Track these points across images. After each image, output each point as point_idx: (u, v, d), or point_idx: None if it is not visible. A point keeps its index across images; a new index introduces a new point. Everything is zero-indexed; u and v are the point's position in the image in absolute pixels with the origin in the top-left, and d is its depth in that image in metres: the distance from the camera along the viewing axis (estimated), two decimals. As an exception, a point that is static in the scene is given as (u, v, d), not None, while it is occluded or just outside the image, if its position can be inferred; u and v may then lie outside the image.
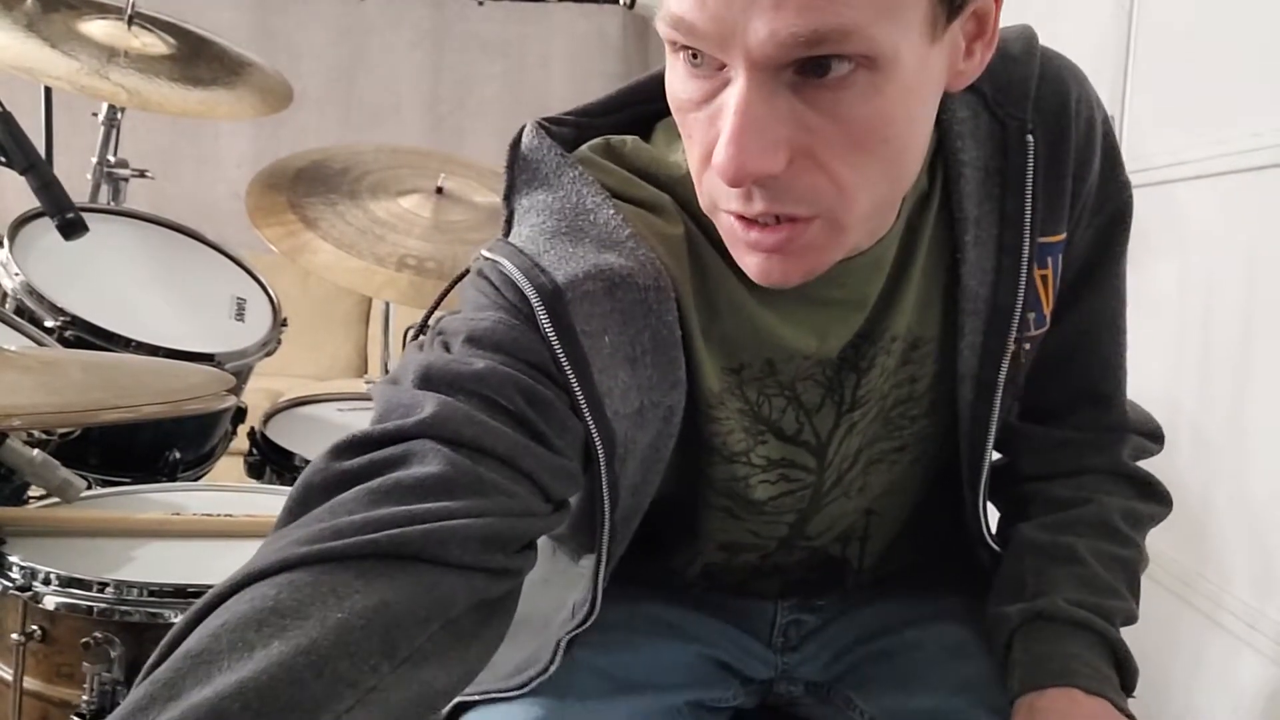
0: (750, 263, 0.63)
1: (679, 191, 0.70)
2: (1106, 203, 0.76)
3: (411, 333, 0.74)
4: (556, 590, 0.82)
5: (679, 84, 0.60)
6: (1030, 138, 0.70)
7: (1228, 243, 1.27)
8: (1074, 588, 0.76)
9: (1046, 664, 0.73)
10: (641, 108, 0.76)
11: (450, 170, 1.99)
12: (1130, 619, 0.78)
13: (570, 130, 0.73)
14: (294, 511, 0.59)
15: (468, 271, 0.70)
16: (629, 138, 0.73)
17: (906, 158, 0.62)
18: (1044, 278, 0.74)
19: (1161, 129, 1.45)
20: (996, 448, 0.84)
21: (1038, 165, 0.71)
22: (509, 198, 0.71)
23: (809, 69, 0.55)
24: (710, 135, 0.59)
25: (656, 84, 0.72)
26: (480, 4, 4.35)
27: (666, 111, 0.71)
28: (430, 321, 0.71)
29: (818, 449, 0.76)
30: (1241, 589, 1.21)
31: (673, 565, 0.86)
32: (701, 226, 0.70)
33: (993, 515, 0.87)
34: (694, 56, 0.58)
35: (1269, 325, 1.18)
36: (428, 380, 0.62)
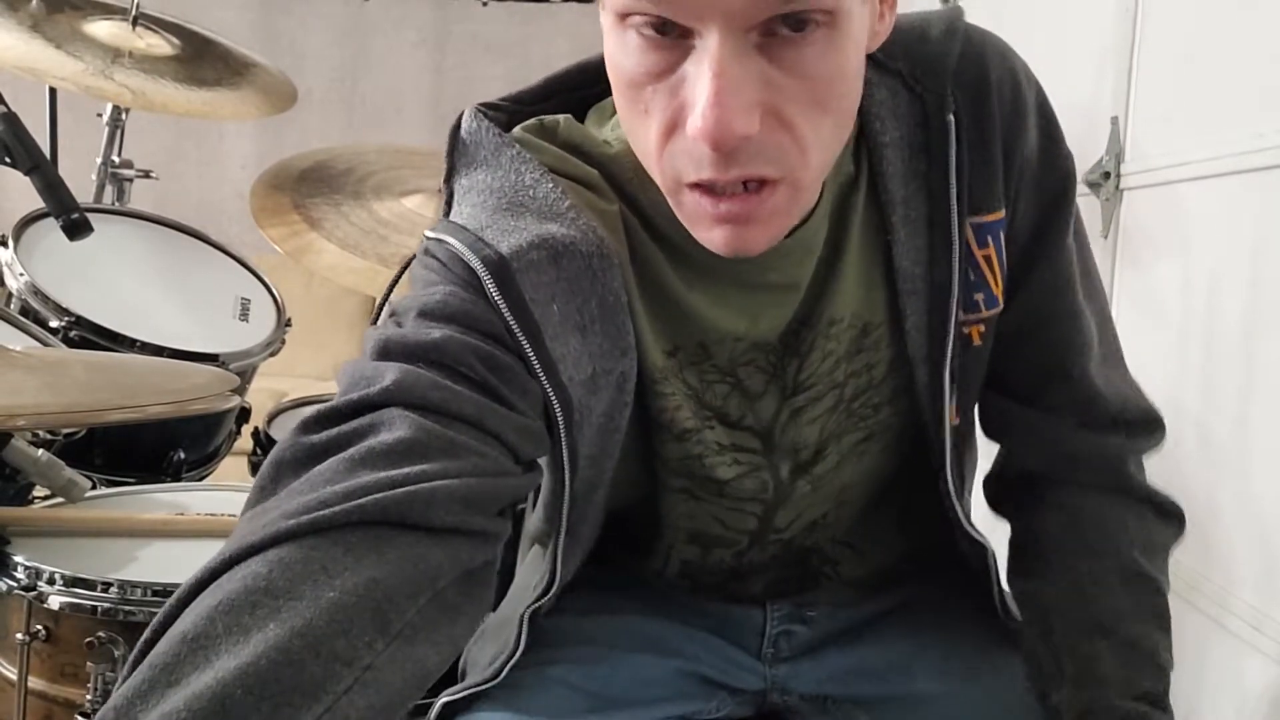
0: (715, 236, 0.63)
1: (611, 170, 0.71)
2: (1047, 178, 0.75)
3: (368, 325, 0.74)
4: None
5: (632, 59, 0.60)
6: (951, 114, 0.70)
7: (1231, 243, 1.27)
8: (1119, 669, 0.73)
9: None
10: (571, 95, 0.76)
11: (454, 171, 1.99)
12: (1171, 671, 0.76)
13: (504, 115, 0.73)
14: (265, 489, 0.59)
15: (414, 258, 0.70)
16: (562, 117, 0.73)
17: (851, 116, 0.64)
18: (987, 258, 0.73)
19: (1165, 130, 1.45)
20: (993, 438, 0.84)
21: (960, 139, 0.71)
22: (449, 179, 0.71)
23: (780, 27, 0.57)
24: (673, 106, 0.59)
25: (583, 71, 0.75)
26: (484, 4, 4.35)
27: (595, 99, 0.71)
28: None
29: (763, 434, 0.76)
30: (1247, 592, 1.21)
31: (650, 564, 0.85)
32: (634, 207, 0.71)
33: (977, 505, 0.87)
34: (660, 28, 0.58)
35: (1272, 326, 1.17)
36: (386, 352, 0.63)
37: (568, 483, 0.71)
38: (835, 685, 0.85)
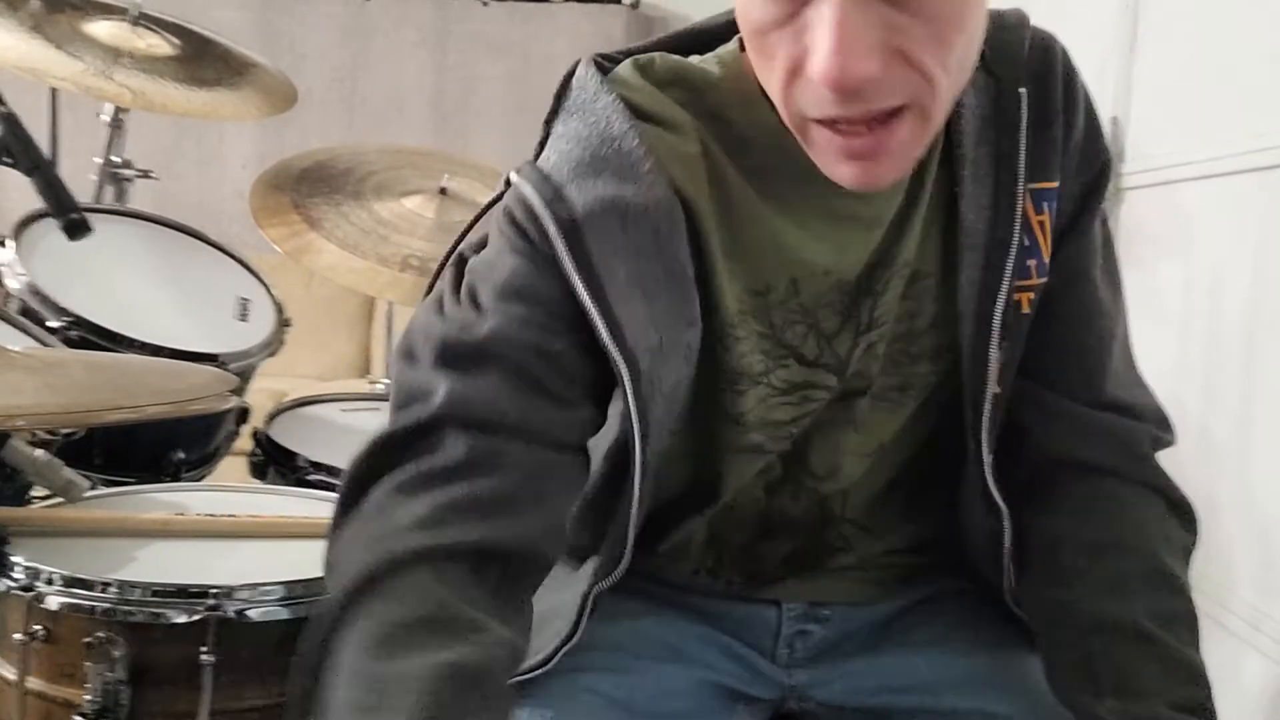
0: (844, 171, 0.66)
1: (708, 98, 0.73)
2: (1089, 165, 0.80)
3: (443, 263, 0.79)
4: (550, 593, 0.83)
5: (759, 7, 0.63)
6: (1022, 90, 0.75)
7: (1232, 243, 1.27)
8: (1159, 680, 0.72)
9: None
10: (679, 49, 0.79)
11: (454, 171, 1.99)
12: (1208, 678, 0.75)
13: (613, 65, 0.77)
14: (349, 506, 0.68)
15: (498, 198, 0.75)
16: (657, 54, 0.76)
17: (974, 50, 0.66)
18: (1041, 223, 0.77)
19: (1166, 130, 1.45)
20: (1007, 426, 0.84)
21: (1029, 114, 0.75)
22: (549, 121, 0.75)
23: None
24: (797, 49, 0.62)
25: (694, 34, 0.79)
26: (484, 4, 4.35)
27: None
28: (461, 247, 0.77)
29: (838, 368, 0.78)
30: (1246, 590, 1.21)
31: (674, 537, 0.85)
32: (726, 138, 0.73)
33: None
34: None
35: (1273, 325, 1.17)
36: (442, 358, 0.69)
37: (638, 445, 0.72)
38: (856, 696, 0.84)
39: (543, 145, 0.74)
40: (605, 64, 0.76)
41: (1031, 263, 0.77)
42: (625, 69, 0.75)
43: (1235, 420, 1.24)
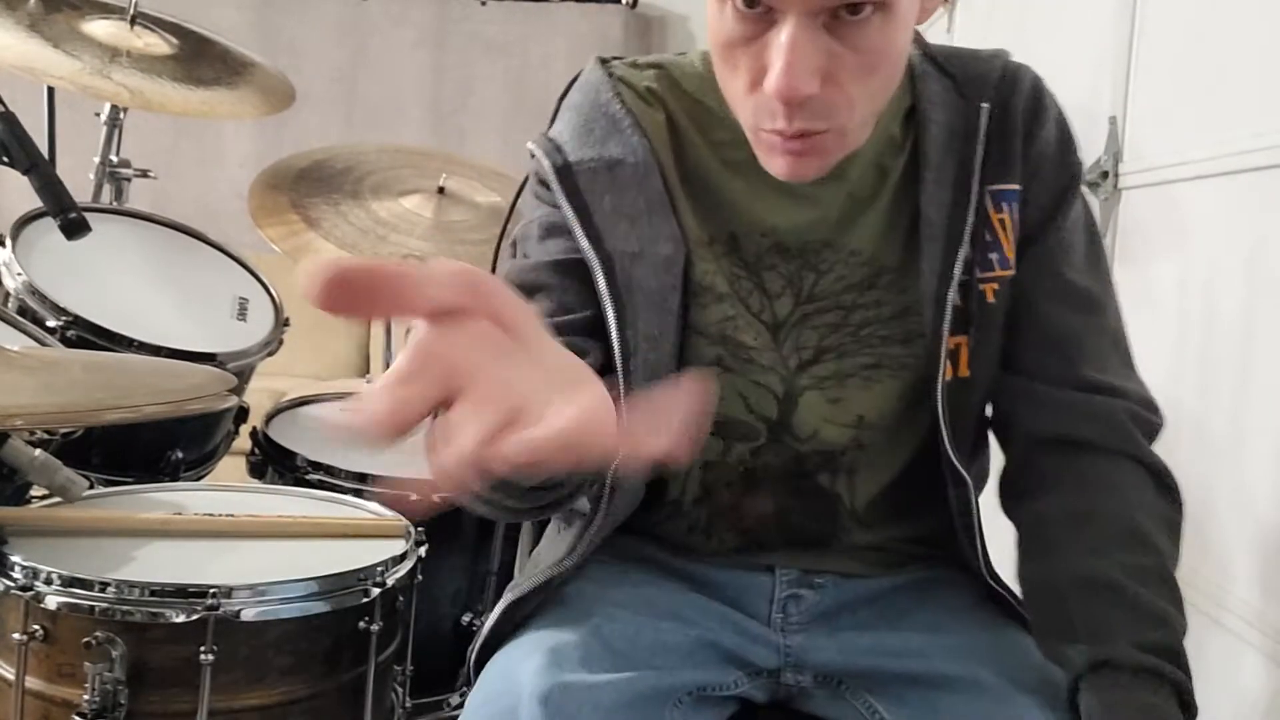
0: (778, 164, 0.81)
1: (688, 83, 0.92)
2: (1060, 171, 0.91)
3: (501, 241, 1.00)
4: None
5: (727, 27, 0.77)
6: (984, 105, 0.88)
7: (1229, 243, 1.27)
8: (1126, 624, 0.78)
9: (1121, 712, 0.74)
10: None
11: (452, 170, 1.99)
12: (1184, 634, 0.79)
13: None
14: None
15: (525, 183, 0.96)
16: (651, 57, 0.95)
17: (896, 78, 0.81)
18: (1001, 221, 0.88)
19: (1163, 129, 1.45)
20: (1000, 419, 0.92)
21: (990, 126, 0.88)
22: (561, 98, 0.95)
23: (843, 12, 0.73)
24: (758, 66, 0.76)
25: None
26: (483, 4, 4.35)
27: None
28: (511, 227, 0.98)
29: (774, 329, 0.90)
30: (1242, 588, 1.21)
31: (669, 494, 0.94)
32: (693, 111, 0.91)
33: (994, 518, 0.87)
34: (750, 4, 0.74)
35: (1270, 325, 1.18)
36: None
37: (619, 354, 0.85)
38: (848, 658, 0.89)
39: (553, 118, 0.94)
40: (609, 58, 0.95)
41: (994, 256, 0.88)
42: (619, 62, 0.95)
43: (1232, 419, 1.24)
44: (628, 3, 4.31)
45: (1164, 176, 1.42)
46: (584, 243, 0.86)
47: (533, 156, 0.92)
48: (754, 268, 0.89)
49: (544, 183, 0.89)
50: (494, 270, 0.96)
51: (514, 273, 0.90)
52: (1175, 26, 1.43)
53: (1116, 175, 1.53)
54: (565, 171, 0.88)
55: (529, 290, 0.87)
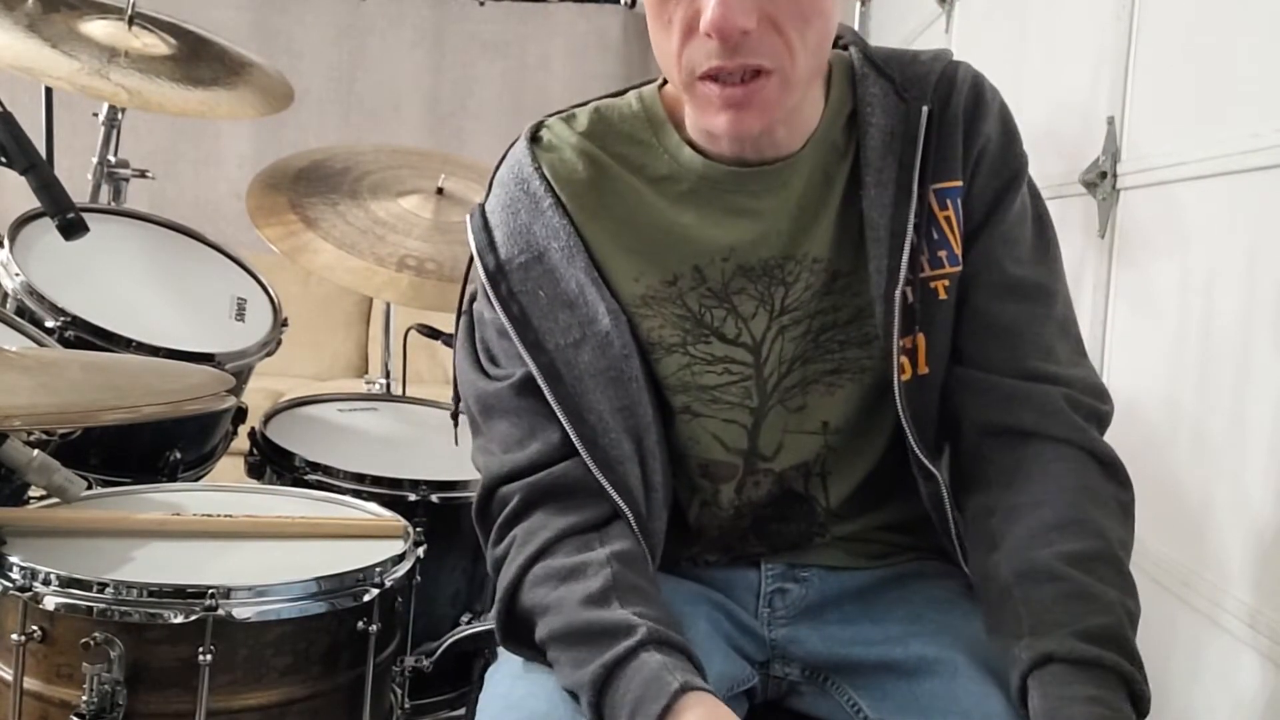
0: (720, 121, 0.82)
1: (625, 125, 0.92)
2: (1004, 166, 0.91)
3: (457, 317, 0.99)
4: None
5: None
6: (925, 107, 0.89)
7: (1228, 243, 1.27)
8: (1066, 614, 0.77)
9: (1066, 709, 0.73)
10: None
11: (450, 171, 1.99)
12: (1134, 618, 0.78)
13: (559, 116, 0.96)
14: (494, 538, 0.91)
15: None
16: (590, 103, 0.95)
17: (828, 38, 0.83)
18: (947, 219, 0.89)
19: (1162, 129, 1.45)
20: (947, 412, 0.91)
21: (930, 126, 0.89)
22: (496, 169, 0.94)
23: None
24: (690, 13, 0.78)
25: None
26: (481, 4, 4.35)
27: None
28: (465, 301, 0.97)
29: (754, 347, 0.91)
30: (1241, 589, 1.21)
31: (689, 531, 0.97)
32: (629, 161, 0.91)
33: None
34: None
35: (1269, 326, 1.18)
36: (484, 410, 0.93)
37: (579, 440, 0.86)
38: (831, 647, 0.92)
39: (489, 188, 0.94)
40: (551, 116, 0.95)
41: (942, 253, 0.89)
42: (556, 118, 0.94)
43: (1230, 420, 1.24)
44: (626, 3, 4.31)
45: (1162, 177, 1.42)
46: (526, 355, 0.88)
47: (470, 233, 0.92)
48: (723, 295, 0.90)
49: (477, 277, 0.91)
50: (458, 312, 0.98)
51: (480, 395, 0.91)
52: (1174, 27, 1.43)
53: (1115, 176, 1.53)
54: (498, 277, 0.89)
55: (493, 414, 0.91)
